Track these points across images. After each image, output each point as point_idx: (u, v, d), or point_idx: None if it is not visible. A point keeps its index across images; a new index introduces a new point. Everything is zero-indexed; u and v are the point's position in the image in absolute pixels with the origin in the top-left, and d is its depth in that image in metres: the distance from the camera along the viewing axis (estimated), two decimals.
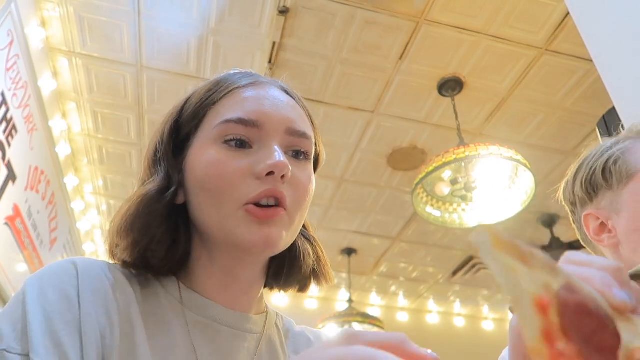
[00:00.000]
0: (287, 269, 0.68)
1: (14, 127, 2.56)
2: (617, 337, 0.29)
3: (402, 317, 5.67)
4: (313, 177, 0.66)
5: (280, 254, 0.66)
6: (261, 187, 0.58)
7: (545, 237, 4.26)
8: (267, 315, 0.69)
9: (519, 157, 2.60)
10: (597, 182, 0.89)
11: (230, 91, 0.65)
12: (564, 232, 4.23)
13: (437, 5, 2.61)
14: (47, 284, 0.54)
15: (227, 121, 0.62)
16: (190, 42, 2.84)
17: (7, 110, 2.47)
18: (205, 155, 0.62)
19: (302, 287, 0.71)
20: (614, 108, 1.42)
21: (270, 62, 2.92)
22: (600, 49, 1.47)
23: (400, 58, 2.91)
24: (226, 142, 0.61)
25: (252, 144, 0.62)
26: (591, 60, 1.50)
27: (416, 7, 2.63)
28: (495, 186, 2.81)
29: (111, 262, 0.64)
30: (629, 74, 1.37)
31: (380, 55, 2.90)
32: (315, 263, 0.70)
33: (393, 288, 5.50)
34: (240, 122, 0.61)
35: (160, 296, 0.62)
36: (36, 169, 2.94)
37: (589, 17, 1.53)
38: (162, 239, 0.62)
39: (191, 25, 2.75)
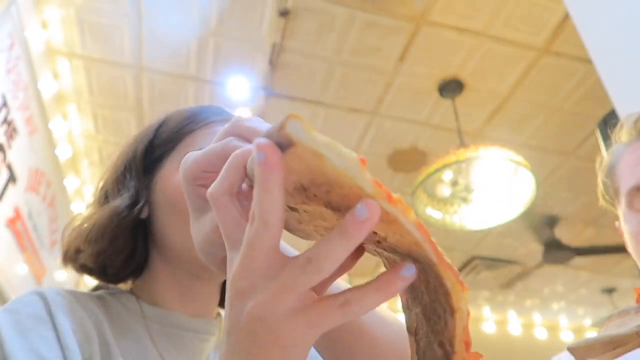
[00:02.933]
0: None
1: (14, 129, 2.57)
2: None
3: (403, 319, 5.66)
4: None
5: None
6: None
7: (545, 238, 4.26)
8: (222, 316, 0.74)
9: (520, 159, 2.60)
10: (608, 200, 0.88)
11: (206, 124, 0.70)
12: (564, 233, 4.23)
13: (437, 7, 2.62)
14: (21, 313, 0.55)
15: None
16: (190, 43, 2.85)
17: (8, 112, 2.47)
18: (178, 177, 0.65)
19: None
20: (614, 109, 1.42)
21: (270, 63, 2.92)
22: (599, 50, 1.47)
23: (401, 60, 2.91)
24: None
25: None
26: (591, 62, 1.50)
27: (416, 9, 2.63)
28: (496, 187, 2.81)
29: (66, 266, 0.68)
30: (628, 75, 1.37)
31: (381, 57, 2.90)
32: None
33: None
34: None
35: (123, 314, 0.65)
36: (37, 170, 2.95)
37: (589, 18, 1.53)
38: (122, 250, 0.67)
39: (191, 27, 2.75)
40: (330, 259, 0.30)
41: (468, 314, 0.32)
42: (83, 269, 0.68)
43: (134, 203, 0.68)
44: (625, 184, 0.80)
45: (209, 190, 0.35)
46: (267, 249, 0.31)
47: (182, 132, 0.70)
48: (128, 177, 0.70)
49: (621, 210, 0.82)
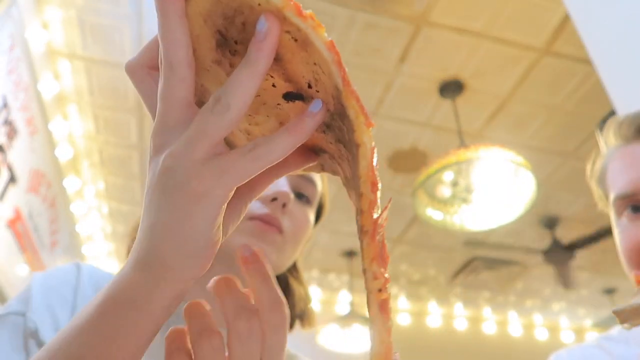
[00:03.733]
0: None
1: (15, 129, 2.57)
2: None
3: (404, 320, 5.67)
4: (311, 221, 0.70)
5: None
6: (263, 209, 0.64)
7: (546, 239, 4.26)
8: None
9: (520, 159, 2.60)
10: (603, 207, 0.89)
11: None
12: (565, 234, 4.23)
13: (437, 8, 2.62)
14: (53, 274, 0.63)
15: None
16: None
17: (9, 113, 2.47)
18: None
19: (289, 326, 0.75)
20: (614, 110, 1.42)
21: None
22: (599, 50, 1.48)
23: (401, 60, 2.91)
24: None
25: None
26: (591, 62, 1.50)
27: (416, 10, 2.63)
28: (496, 188, 2.81)
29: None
30: (628, 76, 1.37)
31: (381, 58, 2.90)
32: (304, 307, 0.75)
33: (394, 290, 5.50)
34: None
35: None
36: (37, 171, 2.95)
37: (589, 19, 1.53)
38: None
39: None
40: (238, 92, 0.27)
41: (372, 150, 0.29)
42: None
43: None
44: (612, 192, 0.81)
45: (126, 64, 0.33)
46: (179, 99, 0.29)
47: None
48: None
49: (612, 217, 0.83)
